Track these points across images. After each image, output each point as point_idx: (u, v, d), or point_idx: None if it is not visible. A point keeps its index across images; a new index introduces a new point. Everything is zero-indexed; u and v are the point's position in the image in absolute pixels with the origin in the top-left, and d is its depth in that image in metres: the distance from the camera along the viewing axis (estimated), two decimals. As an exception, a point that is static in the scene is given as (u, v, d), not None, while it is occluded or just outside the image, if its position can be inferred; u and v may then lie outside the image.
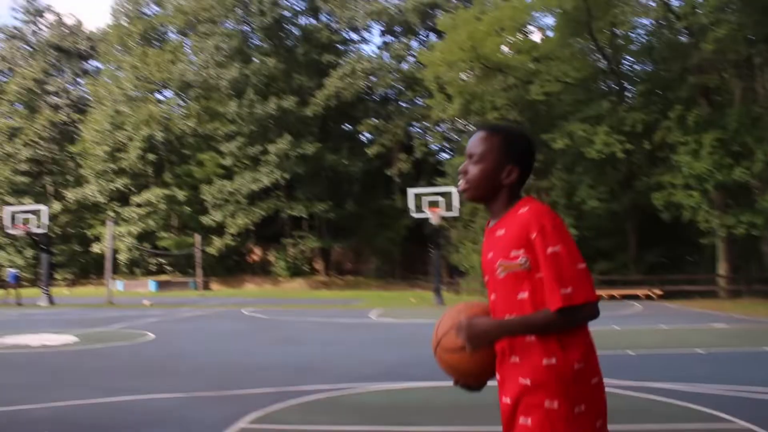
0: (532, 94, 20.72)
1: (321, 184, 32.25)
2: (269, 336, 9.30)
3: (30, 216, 19.96)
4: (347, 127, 35.42)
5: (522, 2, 22.12)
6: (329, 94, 31.05)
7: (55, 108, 40.93)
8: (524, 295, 1.19)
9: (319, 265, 35.28)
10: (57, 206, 35.40)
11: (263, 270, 35.15)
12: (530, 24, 23.42)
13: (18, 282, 21.51)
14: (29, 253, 35.81)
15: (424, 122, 31.25)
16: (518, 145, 1.31)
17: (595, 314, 1.18)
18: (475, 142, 1.31)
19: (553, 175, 22.22)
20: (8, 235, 30.33)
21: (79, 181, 37.93)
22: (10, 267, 29.59)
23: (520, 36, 22.95)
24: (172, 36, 39.90)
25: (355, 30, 36.03)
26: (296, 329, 10.31)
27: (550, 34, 23.16)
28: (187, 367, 6.18)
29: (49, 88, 41.46)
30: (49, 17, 43.93)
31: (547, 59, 21.40)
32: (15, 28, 43.68)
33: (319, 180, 32.31)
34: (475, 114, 23.31)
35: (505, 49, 22.76)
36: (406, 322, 11.60)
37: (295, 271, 32.84)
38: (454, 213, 18.40)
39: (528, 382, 1.16)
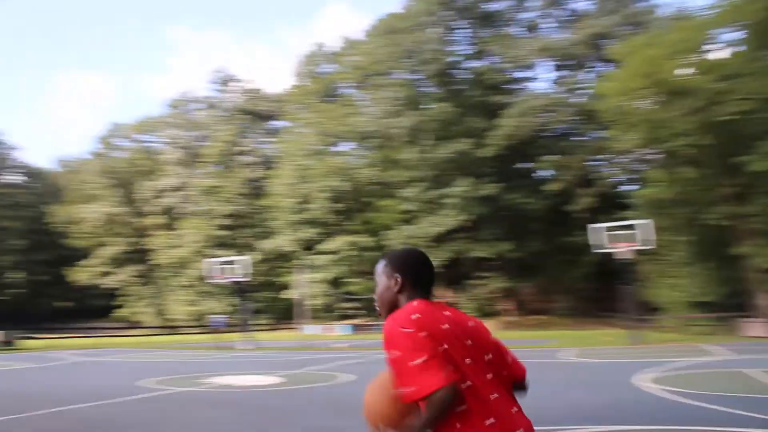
0: (721, 115, 23.00)
1: (503, 224, 38.51)
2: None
3: (232, 266, 26.83)
4: (525, 165, 41.70)
5: (700, 21, 25.08)
6: (505, 133, 37.94)
7: (248, 166, 54.54)
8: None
9: (505, 305, 41.33)
10: (256, 256, 47.41)
11: (452, 312, 42.10)
12: (709, 42, 25.70)
13: (225, 327, 28.48)
14: (231, 300, 48.06)
15: (604, 154, 36.04)
16: (398, 258, 1.84)
17: (449, 397, 1.48)
18: (375, 273, 1.87)
19: (754, 201, 24.32)
20: (212, 284, 41.80)
21: (271, 233, 49.82)
22: (217, 314, 36.63)
23: (699, 56, 25.42)
24: (348, 90, 50.92)
25: (524, 68, 42.86)
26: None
27: (734, 49, 25.25)
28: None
29: (241, 148, 55.41)
30: (240, 85, 58.98)
31: (735, 77, 23.55)
32: (210, 98, 59.54)
33: (501, 220, 38.64)
34: (660, 141, 26.89)
35: (684, 71, 25.25)
36: (604, 362, 13.37)
37: (483, 312, 39.23)
38: (645, 246, 20.56)
39: None
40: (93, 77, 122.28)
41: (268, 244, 48.41)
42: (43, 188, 67.74)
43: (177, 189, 56.49)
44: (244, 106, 57.25)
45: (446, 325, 1.66)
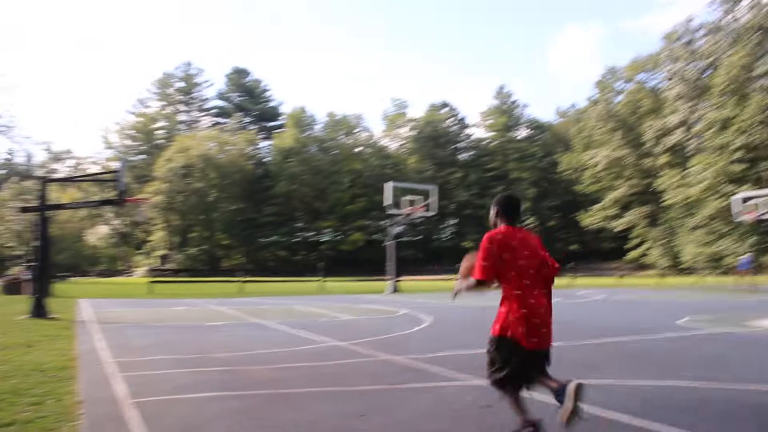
0: None
1: None
2: None
3: (757, 202, 26.02)
4: None
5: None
6: None
7: (766, 91, 52.97)
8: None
9: None
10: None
11: None
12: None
13: (751, 268, 27.51)
14: (752, 240, 48.46)
15: None
16: (498, 198, 3.75)
17: (478, 284, 3.49)
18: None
19: None
20: (735, 223, 42.58)
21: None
22: (744, 254, 34.67)
23: None
24: None
25: None
26: None
27: None
28: None
29: (756, 71, 54.04)
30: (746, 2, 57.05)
31: None
32: (712, 22, 59.55)
33: None
34: None
35: None
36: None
37: None
38: None
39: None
40: (580, 28, 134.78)
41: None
42: (549, 139, 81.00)
43: (683, 125, 59.38)
44: (760, 22, 55.28)
45: (515, 242, 3.54)
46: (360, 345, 8.62)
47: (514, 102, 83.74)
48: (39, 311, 13.81)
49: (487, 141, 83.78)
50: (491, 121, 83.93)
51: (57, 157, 72.69)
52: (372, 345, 8.64)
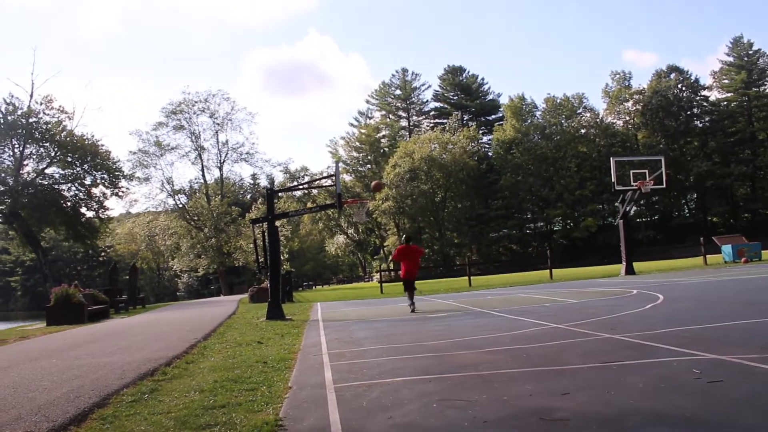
0: None
1: None
2: None
3: None
4: None
5: None
6: None
7: None
8: None
9: None
10: None
11: None
12: None
13: None
14: None
15: None
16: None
17: (395, 263, 25.48)
18: None
19: None
20: None
21: None
22: None
23: None
24: None
25: None
26: None
27: None
28: None
29: None
30: None
31: None
32: None
33: None
34: None
35: None
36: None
37: None
38: None
39: None
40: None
41: None
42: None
43: None
44: None
45: (406, 250, 18.18)
46: (581, 326, 9.96)
47: (755, 53, 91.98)
48: (275, 313, 17.57)
49: (726, 102, 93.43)
50: (726, 80, 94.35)
51: (294, 176, 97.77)
52: (593, 325, 9.91)
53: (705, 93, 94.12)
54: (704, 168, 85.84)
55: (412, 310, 16.85)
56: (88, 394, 6.74)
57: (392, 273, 60.86)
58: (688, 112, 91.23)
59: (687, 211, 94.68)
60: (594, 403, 4.95)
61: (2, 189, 43.42)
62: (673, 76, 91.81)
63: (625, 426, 4.33)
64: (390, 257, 30.60)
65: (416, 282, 19.02)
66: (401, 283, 19.78)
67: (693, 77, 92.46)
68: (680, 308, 12.30)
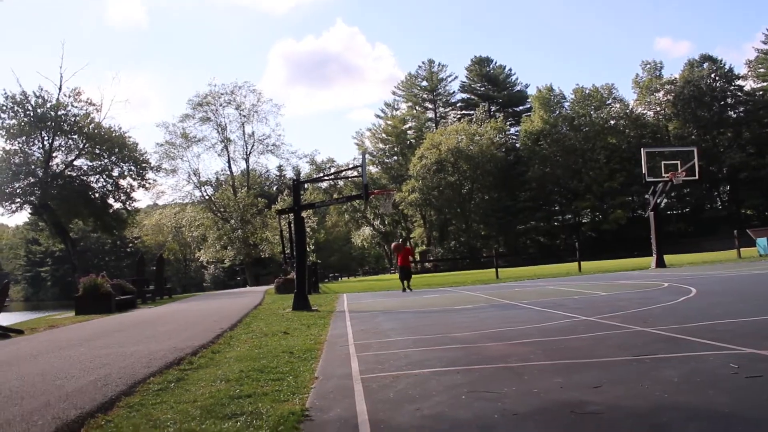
0: None
1: None
2: None
3: None
4: None
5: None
6: None
7: None
8: None
9: None
10: None
11: None
12: None
13: None
14: None
15: None
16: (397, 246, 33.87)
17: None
18: None
19: None
20: None
21: None
22: None
23: None
24: None
25: None
26: None
27: None
28: None
29: None
30: None
31: None
32: None
33: None
34: None
35: None
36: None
37: None
38: None
39: None
40: None
41: None
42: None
43: None
44: None
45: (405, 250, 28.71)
46: (611, 318, 9.95)
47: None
48: (301, 304, 17.45)
49: (761, 92, 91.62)
50: (763, 69, 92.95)
51: (320, 168, 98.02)
52: (624, 318, 9.90)
53: (740, 82, 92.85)
54: (738, 159, 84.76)
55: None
56: (116, 382, 6.81)
57: (418, 265, 61.13)
58: (722, 102, 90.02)
59: (719, 203, 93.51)
60: (627, 397, 4.86)
61: (32, 181, 44.07)
62: (706, 65, 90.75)
63: (660, 421, 4.21)
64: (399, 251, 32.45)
65: (434, 275, 20.02)
66: (407, 273, 26.65)
67: (727, 66, 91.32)
68: (714, 301, 12.08)
